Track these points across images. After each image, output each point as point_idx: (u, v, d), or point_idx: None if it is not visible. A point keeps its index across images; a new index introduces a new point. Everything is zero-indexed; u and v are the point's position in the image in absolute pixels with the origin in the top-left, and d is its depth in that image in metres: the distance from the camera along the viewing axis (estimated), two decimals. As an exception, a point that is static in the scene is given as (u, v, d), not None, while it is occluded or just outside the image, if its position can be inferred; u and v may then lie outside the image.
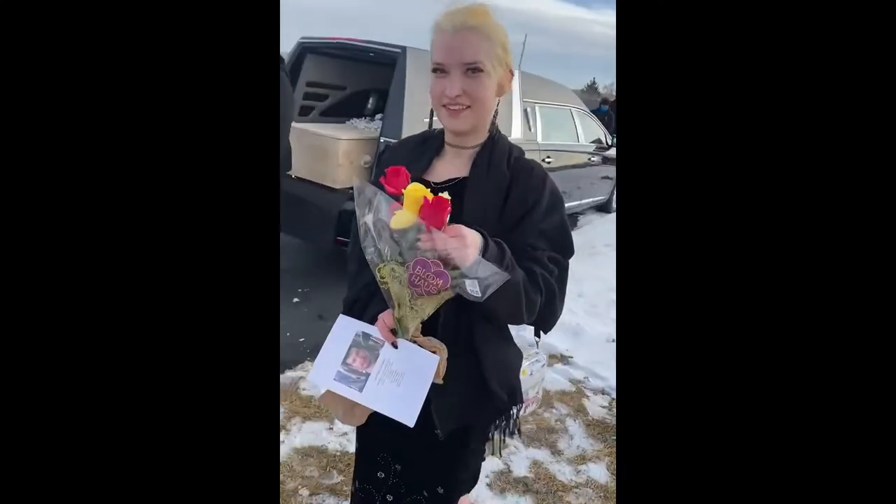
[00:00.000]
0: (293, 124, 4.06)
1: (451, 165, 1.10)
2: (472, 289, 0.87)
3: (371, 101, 4.73)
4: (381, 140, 3.71)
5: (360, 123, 4.48)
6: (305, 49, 4.28)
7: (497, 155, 1.06)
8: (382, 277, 0.94)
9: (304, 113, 4.45)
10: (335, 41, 4.26)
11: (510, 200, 1.03)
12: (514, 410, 1.12)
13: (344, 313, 1.08)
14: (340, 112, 4.64)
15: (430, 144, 1.12)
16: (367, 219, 0.90)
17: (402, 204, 0.88)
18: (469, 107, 0.99)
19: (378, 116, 4.43)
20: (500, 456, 1.50)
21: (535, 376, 1.24)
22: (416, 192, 0.86)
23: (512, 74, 1.04)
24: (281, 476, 2.06)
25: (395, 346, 0.99)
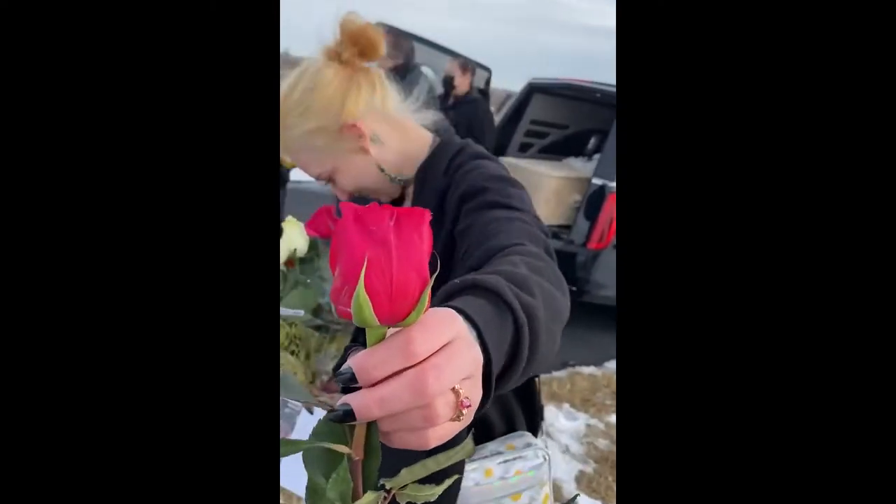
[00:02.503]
0: (510, 159, 4.26)
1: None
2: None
3: (592, 141, 4.74)
4: (593, 181, 3.69)
5: (577, 163, 4.50)
6: (533, 89, 4.47)
7: (433, 169, 0.80)
8: None
9: (524, 149, 4.63)
10: (564, 82, 4.38)
11: (447, 207, 0.75)
12: None
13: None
14: (560, 150, 4.73)
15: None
16: None
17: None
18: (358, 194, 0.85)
19: (596, 157, 4.43)
20: None
21: (510, 482, 0.76)
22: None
23: (356, 125, 0.80)
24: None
25: (310, 410, 0.85)
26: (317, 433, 0.37)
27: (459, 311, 0.39)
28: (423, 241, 0.33)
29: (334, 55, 0.79)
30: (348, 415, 0.33)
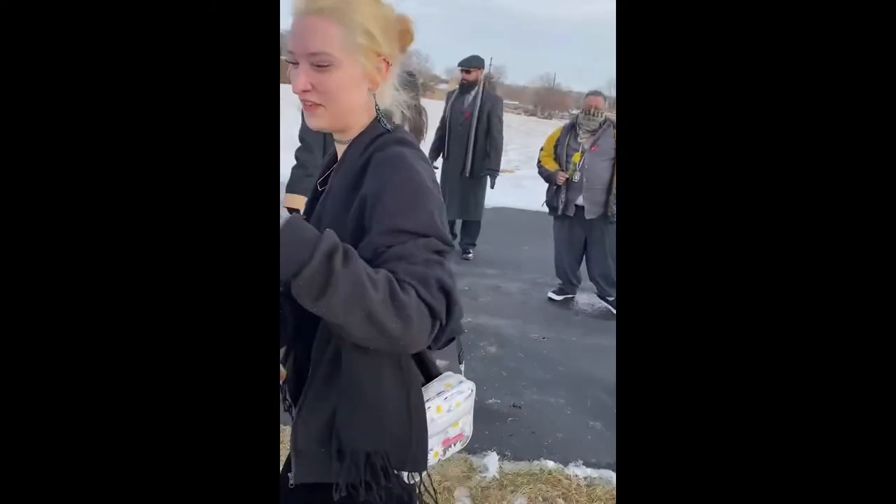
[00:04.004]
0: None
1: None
2: None
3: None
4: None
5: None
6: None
7: (358, 143, 0.89)
8: None
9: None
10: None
11: (360, 195, 0.82)
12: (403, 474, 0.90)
13: None
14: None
15: None
16: None
17: None
18: (322, 105, 0.84)
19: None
20: None
21: (453, 413, 0.95)
22: None
23: (388, 64, 0.86)
24: None
25: None
26: None
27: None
28: None
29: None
30: None
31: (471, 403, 1.00)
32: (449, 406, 0.94)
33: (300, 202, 2.34)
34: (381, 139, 0.87)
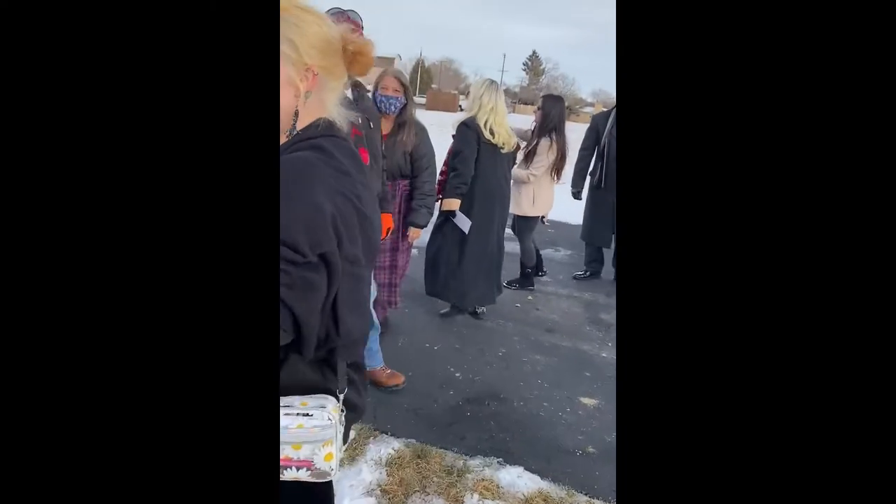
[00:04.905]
0: None
1: None
2: None
3: None
4: None
5: None
6: None
7: (285, 144, 0.93)
8: None
9: None
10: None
11: None
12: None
13: None
14: None
15: None
16: None
17: None
18: None
19: None
20: None
21: (291, 432, 0.86)
22: None
23: (315, 73, 0.90)
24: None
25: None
26: None
27: None
28: None
29: (344, 37, 0.93)
30: None
31: (326, 436, 0.89)
32: (288, 423, 0.88)
33: (454, 204, 3.28)
34: (302, 143, 0.90)
